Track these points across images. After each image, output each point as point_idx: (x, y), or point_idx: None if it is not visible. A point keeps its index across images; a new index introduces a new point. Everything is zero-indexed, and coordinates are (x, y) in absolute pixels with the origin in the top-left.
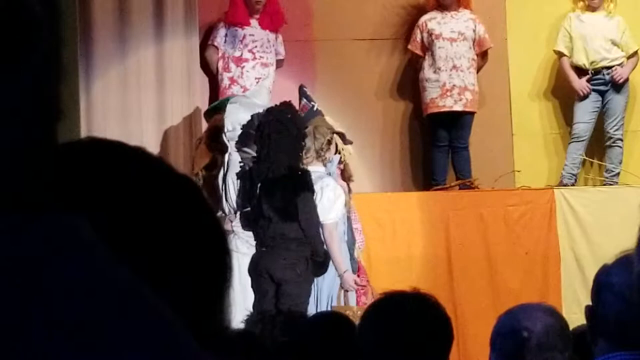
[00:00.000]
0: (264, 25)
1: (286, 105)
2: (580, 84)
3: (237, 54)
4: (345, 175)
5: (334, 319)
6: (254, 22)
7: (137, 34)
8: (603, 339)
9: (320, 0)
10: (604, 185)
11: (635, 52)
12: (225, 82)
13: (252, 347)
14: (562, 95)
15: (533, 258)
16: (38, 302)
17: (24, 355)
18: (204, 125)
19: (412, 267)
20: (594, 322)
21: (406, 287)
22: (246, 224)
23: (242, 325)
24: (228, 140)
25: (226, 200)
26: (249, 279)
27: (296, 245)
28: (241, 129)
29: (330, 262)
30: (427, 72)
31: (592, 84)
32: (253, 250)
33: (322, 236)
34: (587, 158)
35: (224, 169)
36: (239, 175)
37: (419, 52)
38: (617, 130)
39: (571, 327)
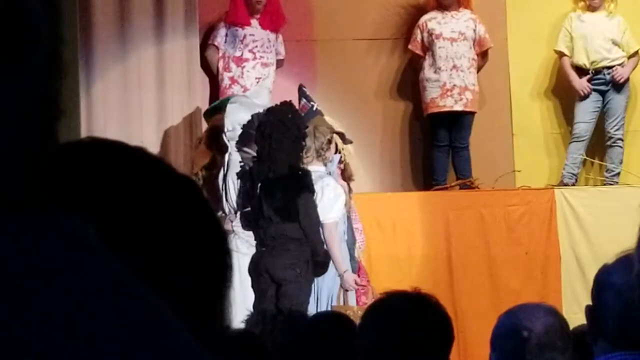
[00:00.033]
0: (264, 25)
1: (287, 105)
2: (581, 83)
3: (238, 53)
4: (346, 175)
5: (334, 319)
6: (254, 22)
7: (137, 33)
8: (603, 338)
9: (320, 0)
10: (605, 185)
11: (636, 52)
12: (226, 82)
13: (252, 347)
14: (563, 95)
15: (533, 258)
16: (38, 301)
17: (24, 356)
18: (204, 125)
19: (412, 267)
20: (594, 322)
21: (407, 287)
22: (246, 224)
23: (242, 325)
24: (228, 140)
25: (226, 200)
26: (249, 279)
27: (296, 245)
28: (241, 128)
29: (331, 262)
30: (428, 72)
31: (592, 84)
32: (253, 250)
33: (322, 236)
34: (587, 158)
35: (224, 169)
36: (239, 175)
37: (419, 52)
38: (617, 130)
39: (571, 327)
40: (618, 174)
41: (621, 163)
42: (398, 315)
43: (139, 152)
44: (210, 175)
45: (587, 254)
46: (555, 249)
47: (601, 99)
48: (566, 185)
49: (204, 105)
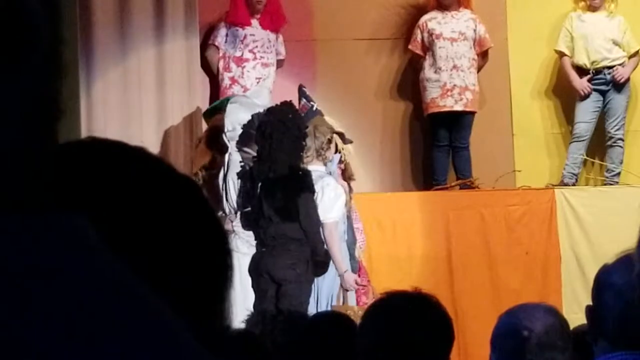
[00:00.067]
0: (264, 25)
1: (287, 105)
2: (581, 83)
3: (238, 54)
4: (346, 175)
5: (334, 319)
6: (254, 22)
7: (137, 33)
8: (603, 338)
9: (320, 0)
10: (605, 185)
11: (637, 52)
12: (226, 82)
13: (252, 347)
14: (563, 95)
15: (533, 258)
16: (38, 301)
17: (24, 356)
18: (204, 125)
19: (412, 267)
20: (594, 321)
21: (407, 287)
22: (246, 224)
23: (242, 325)
24: (228, 140)
25: (226, 200)
26: (249, 279)
27: (296, 245)
28: (241, 128)
29: (331, 262)
30: (428, 72)
31: (593, 84)
32: (253, 250)
33: (322, 236)
34: (588, 158)
35: (224, 169)
36: (240, 175)
37: (419, 52)
38: (618, 130)
39: (571, 326)
40: (618, 174)
41: (621, 163)
42: (398, 315)
43: (140, 152)
44: (210, 175)
45: (587, 254)
46: (556, 249)
47: (601, 99)
48: (566, 185)
49: (204, 105)
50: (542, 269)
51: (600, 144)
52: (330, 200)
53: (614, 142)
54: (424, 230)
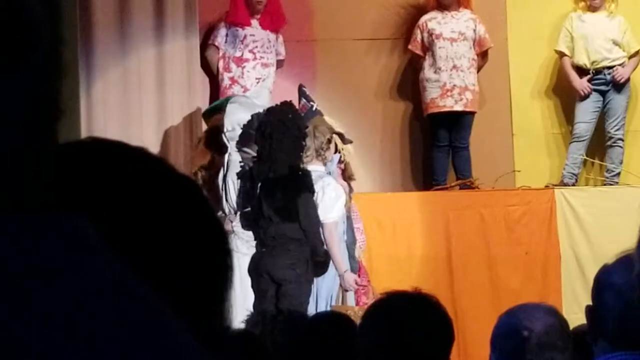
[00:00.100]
0: (264, 26)
1: (287, 105)
2: (581, 83)
3: (238, 54)
4: (347, 175)
5: (334, 319)
6: (254, 22)
7: (137, 34)
8: (603, 338)
9: (320, 0)
10: (605, 185)
11: (637, 52)
12: (226, 82)
13: (252, 347)
14: (563, 95)
15: (533, 258)
16: (38, 301)
17: (24, 356)
18: (204, 125)
19: (412, 267)
20: (594, 322)
21: (407, 287)
22: (246, 224)
23: (242, 326)
24: (228, 141)
25: (226, 200)
26: (249, 279)
27: (296, 245)
28: (241, 128)
29: (330, 262)
30: (428, 72)
31: (593, 84)
32: (253, 250)
33: (322, 236)
34: (587, 158)
35: (224, 169)
36: (240, 175)
37: (419, 52)
38: (618, 130)
39: (571, 327)
40: (618, 174)
41: (621, 163)
42: (398, 315)
43: (140, 152)
44: (210, 176)
45: (587, 254)
46: (555, 249)
47: (601, 99)
48: (566, 185)
49: (204, 106)
50: (542, 269)
51: (600, 144)
52: (330, 200)
53: (614, 142)
54: (424, 230)
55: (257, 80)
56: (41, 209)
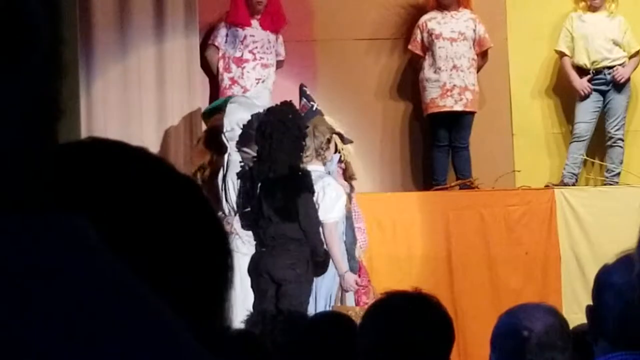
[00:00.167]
0: (264, 26)
1: (287, 105)
2: (582, 83)
3: (238, 54)
4: (347, 175)
5: (334, 319)
6: (254, 22)
7: (137, 32)
8: (604, 338)
9: (320, 0)
10: (605, 185)
11: (637, 52)
12: (226, 82)
13: (252, 347)
14: (563, 95)
15: (533, 258)
16: (38, 301)
17: (24, 356)
18: (204, 125)
19: (412, 267)
20: (594, 321)
21: (407, 287)
22: (246, 224)
23: (242, 326)
24: (227, 141)
25: (226, 200)
26: (249, 279)
27: (296, 245)
28: (241, 129)
29: (330, 262)
30: (427, 72)
31: (593, 84)
32: (253, 251)
33: (322, 236)
34: (588, 158)
35: (223, 169)
36: (239, 175)
37: (419, 52)
38: (618, 130)
39: (571, 327)
40: (618, 174)
41: (621, 163)
42: (399, 315)
43: (140, 152)
44: (209, 176)
45: (587, 254)
46: (555, 249)
47: (602, 99)
48: (566, 185)
49: (204, 105)
50: (542, 269)
51: (600, 144)
52: (331, 200)
53: (614, 142)
54: (424, 230)
55: (257, 81)
56: (41, 209)
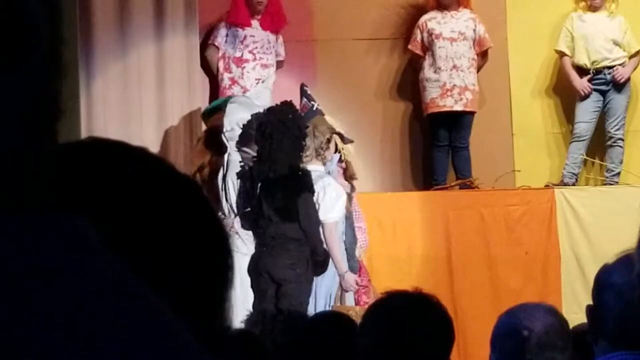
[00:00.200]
0: (265, 26)
1: (287, 105)
2: (582, 83)
3: (238, 54)
4: (348, 174)
5: (334, 319)
6: (255, 22)
7: (137, 32)
8: (604, 338)
9: (320, 0)
10: (605, 185)
11: (637, 52)
12: (226, 82)
13: (252, 347)
14: (563, 95)
15: (533, 258)
16: (38, 301)
17: (24, 356)
18: (204, 124)
19: (412, 267)
20: (594, 321)
21: (407, 287)
22: (246, 224)
23: (242, 326)
24: (227, 140)
25: (226, 200)
26: (249, 279)
27: (296, 245)
28: (241, 128)
29: (329, 261)
30: (427, 72)
31: (593, 84)
32: (253, 251)
33: (321, 235)
34: (588, 158)
35: (223, 169)
36: (239, 175)
37: (419, 52)
38: (618, 130)
39: (571, 327)
40: (618, 173)
41: (621, 163)
42: (399, 315)
43: (140, 152)
44: (209, 175)
45: (587, 254)
46: (555, 249)
47: (602, 98)
48: (566, 185)
49: (204, 105)
50: (542, 269)
51: (600, 144)
52: (331, 200)
53: (614, 142)
54: (424, 230)
55: (257, 81)
56: (41, 209)
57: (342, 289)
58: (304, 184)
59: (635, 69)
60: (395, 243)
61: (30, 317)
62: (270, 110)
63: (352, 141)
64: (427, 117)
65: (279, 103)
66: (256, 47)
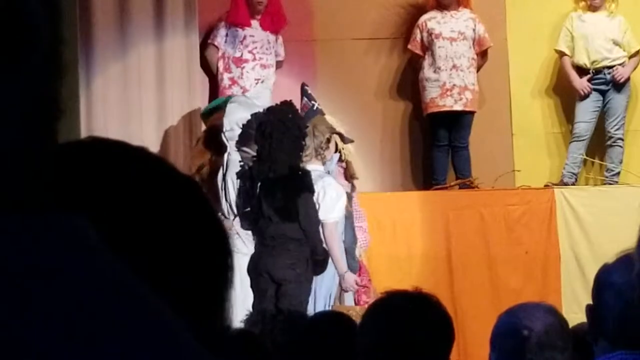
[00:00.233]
0: (264, 27)
1: (287, 105)
2: (581, 83)
3: (237, 54)
4: (348, 174)
5: (334, 319)
6: (254, 23)
7: (137, 31)
8: (604, 338)
9: (320, 0)
10: (605, 184)
11: (637, 52)
12: (226, 82)
13: (252, 347)
14: (563, 95)
15: (533, 258)
16: (38, 301)
17: (24, 356)
18: (204, 124)
19: (412, 267)
20: (594, 321)
21: (407, 287)
22: (246, 224)
23: (242, 326)
24: (227, 140)
25: (226, 200)
26: (249, 279)
27: (296, 245)
28: (240, 128)
29: (329, 261)
30: (427, 71)
31: (593, 84)
32: (253, 251)
33: (321, 235)
34: (587, 157)
35: (223, 169)
36: (239, 175)
37: (418, 51)
38: (617, 129)
39: (571, 326)
40: (618, 173)
41: (621, 163)
42: (399, 314)
43: (140, 152)
44: (209, 175)
45: (587, 253)
46: (555, 248)
47: (601, 98)
48: (566, 184)
49: (204, 105)
50: (541, 269)
51: (600, 143)
52: (331, 200)
53: (614, 142)
54: (424, 230)
55: (256, 81)
56: (41, 209)
57: (342, 289)
58: (304, 184)
59: (635, 68)
60: (395, 243)
61: (30, 317)
62: (270, 110)
63: (352, 141)
64: (427, 116)
65: (279, 103)
66: (256, 47)
